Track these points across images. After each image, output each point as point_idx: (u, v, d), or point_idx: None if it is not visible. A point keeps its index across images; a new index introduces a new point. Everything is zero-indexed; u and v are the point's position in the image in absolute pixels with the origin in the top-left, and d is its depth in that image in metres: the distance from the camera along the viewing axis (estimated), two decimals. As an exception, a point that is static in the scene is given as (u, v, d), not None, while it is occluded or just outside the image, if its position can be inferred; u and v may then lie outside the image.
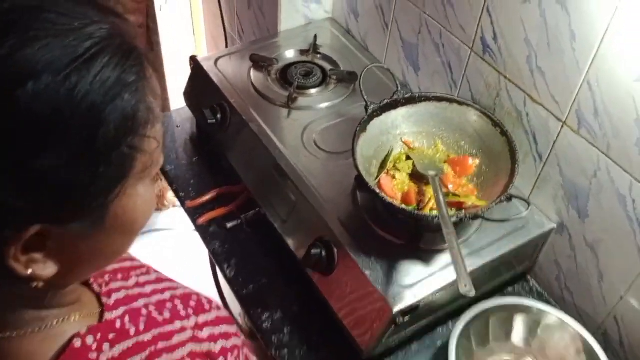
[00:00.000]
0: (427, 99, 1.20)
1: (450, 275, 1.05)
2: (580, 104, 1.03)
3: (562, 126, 1.08)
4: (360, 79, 1.22)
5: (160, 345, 0.68)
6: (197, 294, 0.80)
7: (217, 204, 1.35)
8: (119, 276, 0.76)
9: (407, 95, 1.19)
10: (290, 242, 1.21)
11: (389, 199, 1.05)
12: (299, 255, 1.16)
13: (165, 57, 2.14)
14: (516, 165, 1.08)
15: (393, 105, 1.19)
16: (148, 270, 0.81)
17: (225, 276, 1.26)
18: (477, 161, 1.17)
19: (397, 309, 1.02)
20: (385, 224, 1.13)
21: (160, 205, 2.60)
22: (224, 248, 1.30)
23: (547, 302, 1.25)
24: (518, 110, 1.16)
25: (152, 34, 2.05)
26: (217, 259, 1.28)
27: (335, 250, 1.11)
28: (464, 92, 1.28)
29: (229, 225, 1.30)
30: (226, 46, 1.99)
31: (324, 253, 1.11)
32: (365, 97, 1.18)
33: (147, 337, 0.68)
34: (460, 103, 1.19)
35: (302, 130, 1.31)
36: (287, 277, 1.25)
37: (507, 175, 1.09)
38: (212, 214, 1.32)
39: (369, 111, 1.16)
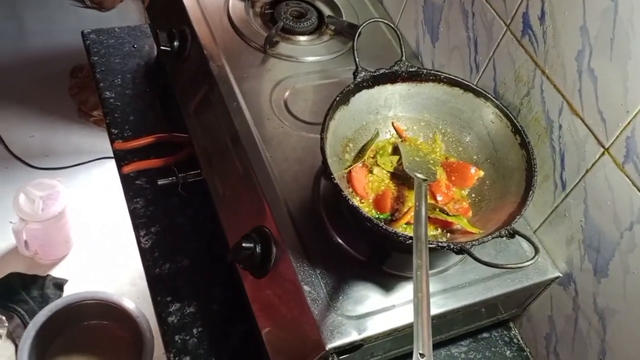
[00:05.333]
0: (437, 79, 0.92)
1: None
2: (635, 131, 0.75)
3: (603, 154, 0.80)
4: (358, 34, 0.93)
5: None
6: None
7: (153, 153, 1.08)
8: None
9: (411, 69, 0.91)
10: (225, 224, 0.95)
11: (353, 200, 0.78)
12: (232, 243, 0.91)
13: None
14: (531, 192, 0.81)
15: (391, 77, 0.91)
16: None
17: (139, 244, 1.00)
18: (482, 173, 0.90)
19: (331, 344, 0.76)
20: (346, 230, 0.87)
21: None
22: (148, 210, 1.04)
23: (527, 360, 1.00)
24: (550, 119, 0.88)
25: None
26: (136, 222, 1.02)
27: (274, 250, 0.85)
28: (486, 80, 1.00)
29: (160, 182, 1.05)
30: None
31: (258, 249, 0.85)
32: (357, 60, 0.89)
33: None
34: (477, 94, 0.90)
35: (274, 84, 1.03)
36: (215, 266, 0.99)
37: (516, 202, 0.82)
38: (143, 164, 1.06)
39: (357, 79, 0.88)
